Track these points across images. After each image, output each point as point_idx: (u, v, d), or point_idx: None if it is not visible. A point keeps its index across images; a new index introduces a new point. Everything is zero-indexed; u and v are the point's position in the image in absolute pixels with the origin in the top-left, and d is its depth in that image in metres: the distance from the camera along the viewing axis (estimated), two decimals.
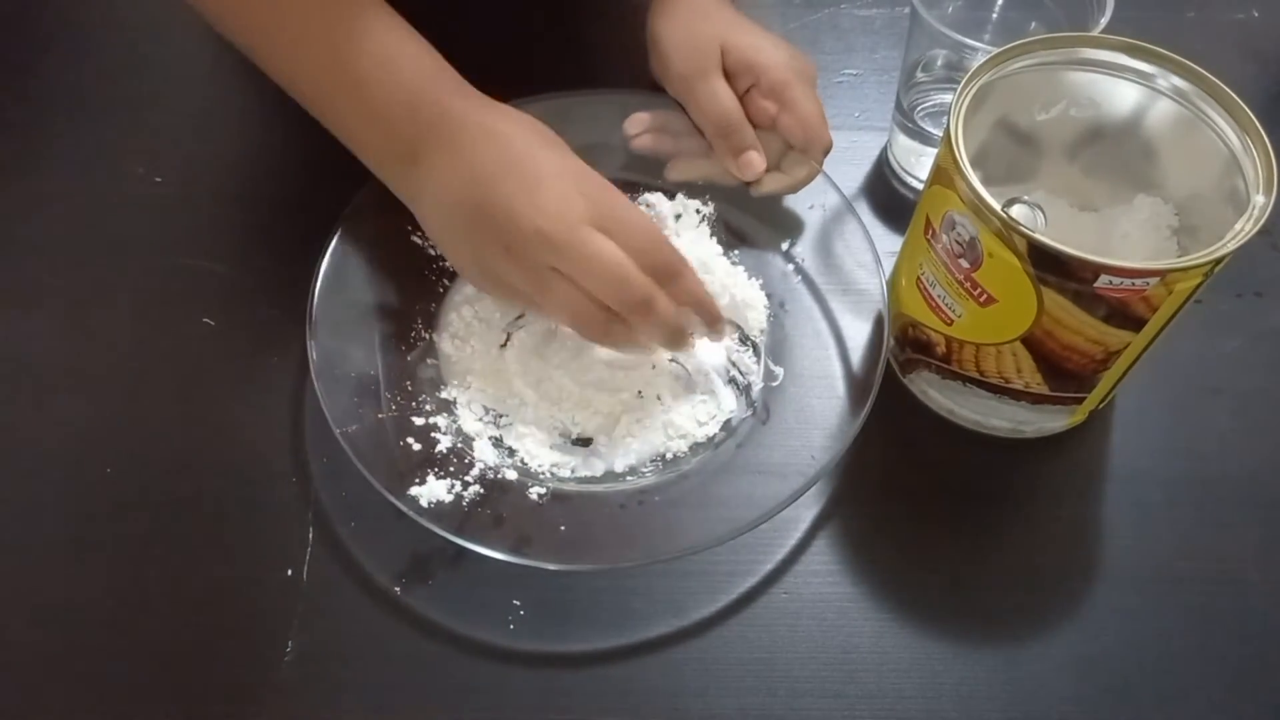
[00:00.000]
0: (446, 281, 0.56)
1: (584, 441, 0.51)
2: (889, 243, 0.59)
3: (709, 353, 0.54)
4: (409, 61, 0.49)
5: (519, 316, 0.55)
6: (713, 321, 0.50)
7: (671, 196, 0.58)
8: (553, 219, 0.45)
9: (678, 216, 0.57)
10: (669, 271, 0.47)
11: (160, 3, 0.71)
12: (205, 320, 0.56)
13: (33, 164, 0.63)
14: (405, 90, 0.48)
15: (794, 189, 0.56)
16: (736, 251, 0.57)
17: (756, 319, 0.55)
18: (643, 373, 0.53)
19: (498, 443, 0.51)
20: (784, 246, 0.57)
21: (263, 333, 0.54)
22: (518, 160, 0.47)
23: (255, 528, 0.49)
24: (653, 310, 0.47)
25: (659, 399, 0.52)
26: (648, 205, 0.57)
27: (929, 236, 0.47)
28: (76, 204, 0.61)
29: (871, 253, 0.54)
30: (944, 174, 0.44)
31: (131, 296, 0.57)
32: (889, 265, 0.55)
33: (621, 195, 0.48)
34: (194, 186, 0.62)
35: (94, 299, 0.57)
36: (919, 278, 0.49)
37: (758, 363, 0.54)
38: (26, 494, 0.50)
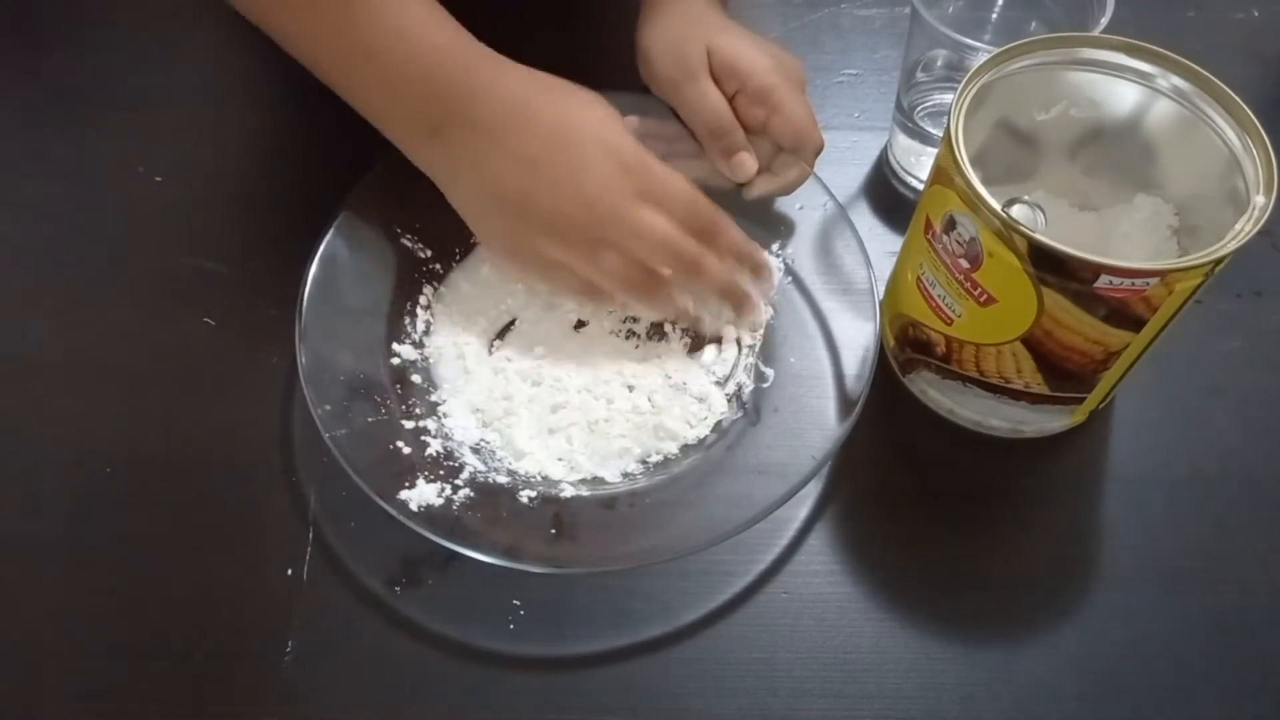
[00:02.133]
0: (436, 284, 0.56)
1: (574, 444, 0.51)
2: (889, 243, 0.59)
3: (701, 352, 0.54)
4: (424, 30, 0.48)
5: (512, 322, 0.55)
6: (758, 268, 0.53)
7: None
8: (599, 201, 0.47)
9: None
10: (712, 230, 0.50)
11: (160, 2, 0.71)
12: (205, 320, 0.56)
13: (33, 164, 0.63)
14: (422, 60, 0.48)
15: (786, 191, 0.56)
16: None
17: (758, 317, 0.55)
18: (632, 375, 0.53)
19: (488, 446, 0.51)
20: (774, 247, 0.57)
21: (263, 333, 0.54)
22: (551, 140, 0.48)
23: (255, 528, 0.49)
24: (704, 268, 0.50)
25: (649, 401, 0.52)
26: None
27: (929, 236, 0.47)
28: (76, 204, 0.61)
29: (862, 253, 0.53)
30: (944, 174, 0.44)
31: (131, 296, 0.57)
32: (889, 265, 0.55)
33: (655, 159, 0.49)
34: (194, 186, 0.62)
35: (94, 299, 0.57)
36: (919, 278, 0.49)
37: (749, 364, 0.54)
38: (26, 494, 0.50)
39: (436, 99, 0.48)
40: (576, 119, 0.49)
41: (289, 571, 0.48)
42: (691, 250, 0.49)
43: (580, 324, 0.55)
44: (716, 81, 0.53)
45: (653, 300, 0.51)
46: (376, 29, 0.48)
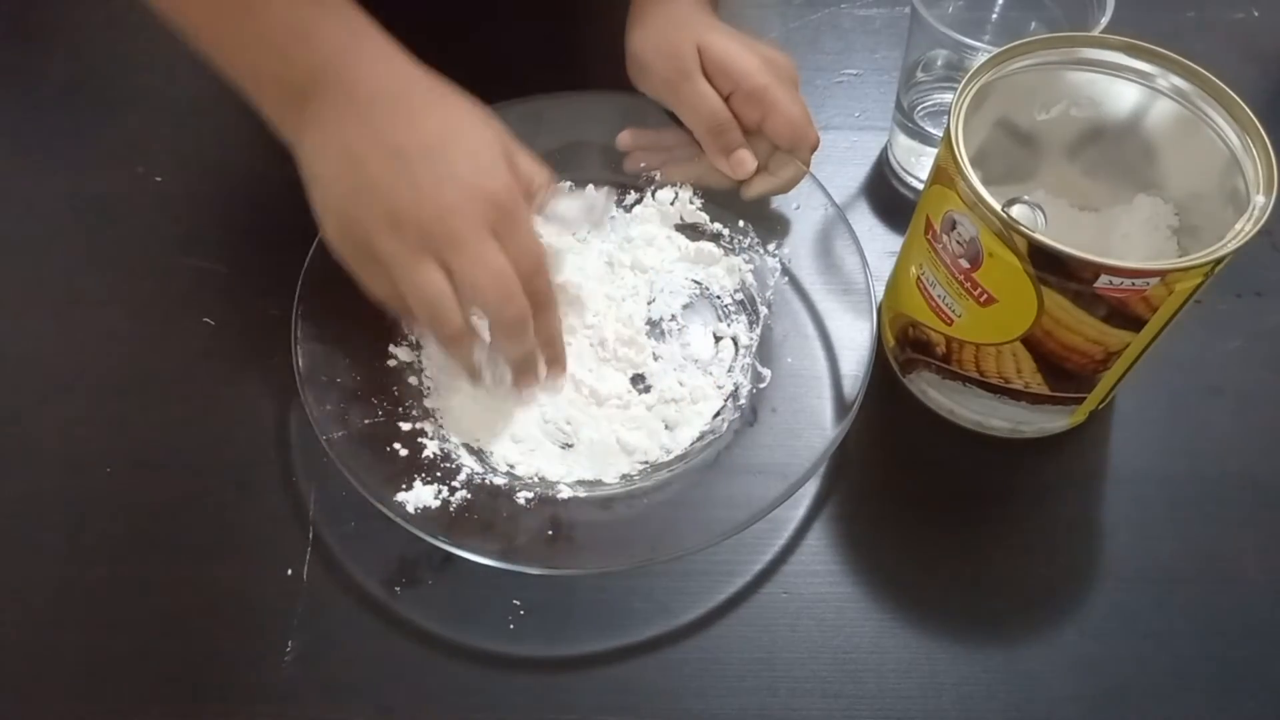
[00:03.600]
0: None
1: (571, 446, 0.51)
2: (889, 243, 0.59)
3: (699, 352, 0.54)
4: None
5: None
6: (553, 363, 0.51)
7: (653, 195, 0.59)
8: (451, 216, 0.44)
9: (672, 201, 0.58)
10: (539, 301, 0.47)
11: None
12: (205, 320, 0.56)
13: (33, 164, 0.63)
14: (303, 17, 0.46)
15: (783, 190, 0.56)
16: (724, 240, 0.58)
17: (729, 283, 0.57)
18: (630, 377, 0.53)
19: (484, 448, 0.51)
20: (770, 247, 0.57)
21: (263, 333, 0.54)
22: (429, 140, 0.45)
23: (255, 528, 0.49)
24: (524, 332, 0.46)
25: (647, 402, 0.52)
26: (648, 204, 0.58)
27: (929, 236, 0.47)
28: (77, 204, 0.61)
29: (860, 253, 0.53)
30: (944, 174, 0.44)
31: (131, 296, 0.57)
32: (888, 265, 0.55)
33: (524, 208, 0.46)
34: (194, 186, 0.62)
35: (94, 299, 0.57)
36: (919, 278, 0.49)
37: (746, 365, 0.54)
38: (26, 494, 0.50)
39: (314, 61, 0.46)
40: (464, 129, 0.46)
41: (289, 571, 0.48)
42: (521, 304, 0.46)
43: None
44: (709, 81, 0.53)
45: (451, 342, 0.47)
46: None
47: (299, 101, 0.46)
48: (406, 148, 0.45)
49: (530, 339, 0.48)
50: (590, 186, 0.57)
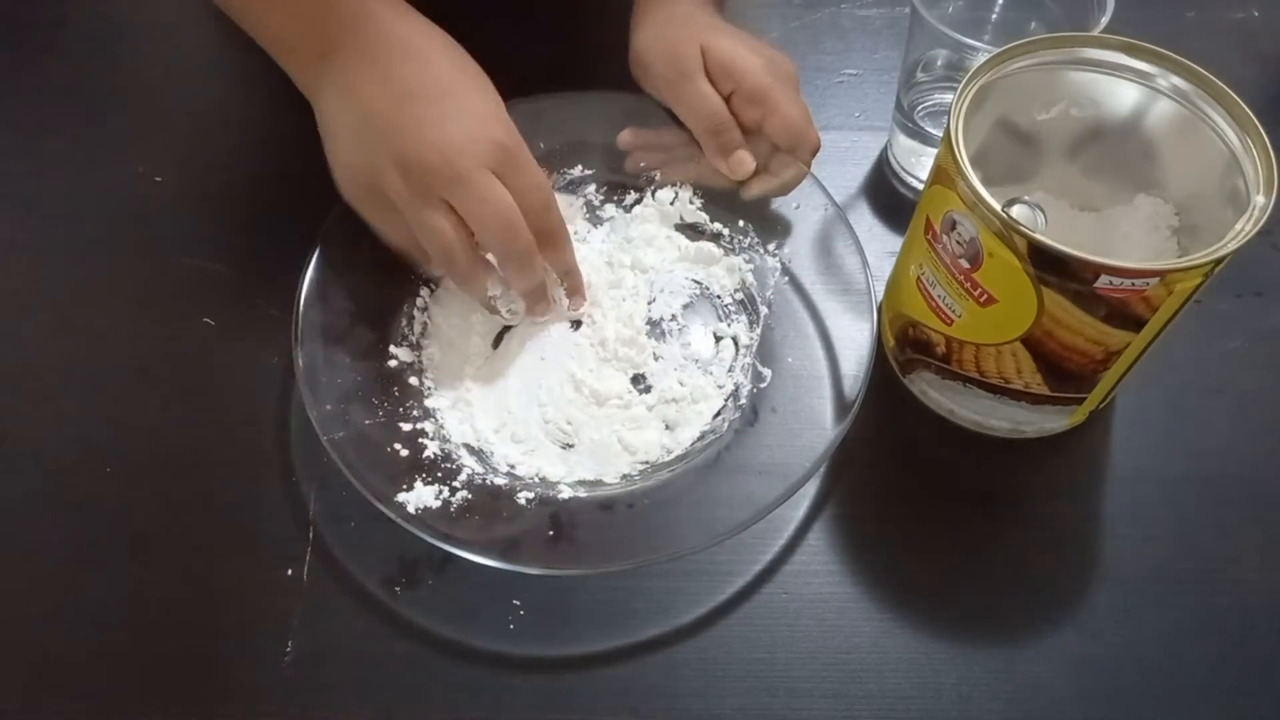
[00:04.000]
0: (433, 286, 0.56)
1: (572, 446, 0.51)
2: (889, 243, 0.59)
3: (699, 352, 0.54)
4: None
5: (506, 328, 0.55)
6: (574, 292, 0.54)
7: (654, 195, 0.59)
8: (457, 157, 0.46)
9: (672, 201, 0.58)
10: (551, 237, 0.50)
11: (160, 2, 0.71)
12: (205, 320, 0.56)
13: (33, 164, 0.63)
14: None
15: (783, 191, 0.56)
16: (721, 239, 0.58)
17: (728, 282, 0.57)
18: (630, 377, 0.53)
19: (485, 448, 0.51)
20: (770, 247, 0.57)
21: (263, 333, 0.54)
22: (437, 86, 0.48)
23: (255, 528, 0.49)
24: (530, 265, 0.49)
25: (647, 402, 0.52)
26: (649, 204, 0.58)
27: (929, 236, 0.47)
28: (76, 204, 0.61)
29: (859, 253, 0.53)
30: (944, 174, 0.44)
31: (131, 296, 0.57)
32: (889, 265, 0.55)
33: (527, 150, 0.49)
34: (194, 186, 0.62)
35: (94, 299, 0.57)
36: (919, 278, 0.49)
37: (746, 365, 0.54)
38: (26, 494, 0.50)
39: (334, 20, 0.48)
40: (469, 79, 0.49)
41: (289, 572, 0.48)
42: (526, 238, 0.48)
43: (578, 325, 0.55)
44: (711, 82, 0.53)
45: (464, 278, 0.50)
46: None
47: (318, 59, 0.49)
48: (414, 92, 0.47)
49: (537, 272, 0.50)
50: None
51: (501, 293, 0.52)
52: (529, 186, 0.48)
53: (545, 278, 0.52)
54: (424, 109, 0.47)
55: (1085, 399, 0.49)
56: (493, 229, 0.48)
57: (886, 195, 0.62)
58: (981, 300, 0.45)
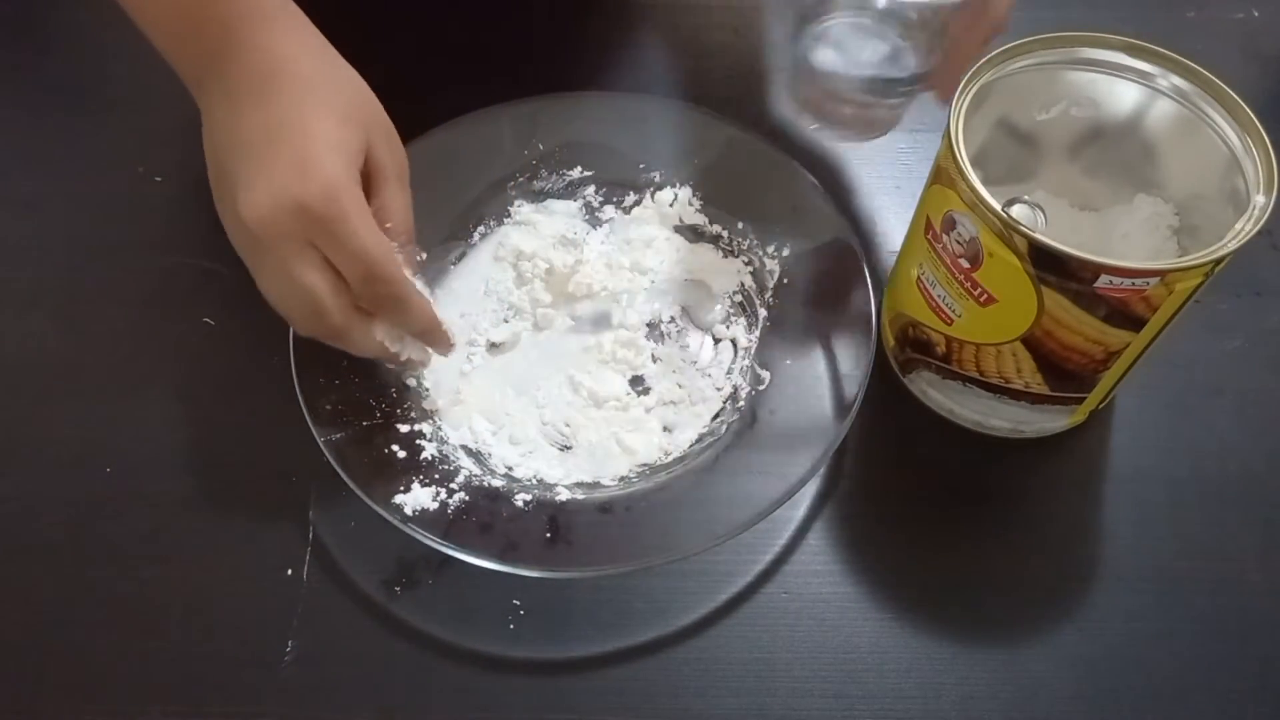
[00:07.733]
0: (432, 287, 0.55)
1: (570, 448, 0.51)
2: (889, 243, 0.59)
3: (698, 354, 0.54)
4: None
5: (504, 324, 0.55)
6: (437, 345, 0.48)
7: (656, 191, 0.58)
8: (261, 221, 0.41)
9: (671, 202, 0.58)
10: (384, 305, 0.44)
11: None
12: (205, 320, 0.56)
13: (33, 164, 0.63)
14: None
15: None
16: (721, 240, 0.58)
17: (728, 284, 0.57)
18: (629, 379, 0.53)
19: (483, 450, 0.51)
20: (769, 249, 0.57)
21: (263, 333, 0.54)
22: (265, 130, 0.42)
23: (255, 528, 0.49)
24: (348, 343, 0.45)
25: (646, 404, 0.52)
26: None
27: (929, 236, 0.47)
28: (76, 204, 0.61)
29: (859, 254, 0.53)
30: (944, 174, 0.44)
31: (131, 296, 0.57)
32: (889, 265, 0.55)
33: (350, 209, 0.41)
34: (194, 186, 0.61)
35: (94, 299, 0.57)
36: (919, 277, 0.49)
37: (745, 367, 0.54)
38: (26, 494, 0.50)
39: (200, 47, 0.44)
40: (306, 116, 0.42)
41: (289, 572, 0.48)
42: (335, 322, 0.43)
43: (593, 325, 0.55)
44: None
45: (332, 340, 0.45)
46: None
47: (196, 88, 0.45)
48: (244, 139, 0.42)
49: (358, 347, 0.45)
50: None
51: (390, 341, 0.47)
52: (347, 257, 0.41)
53: (380, 349, 0.46)
54: (244, 162, 0.42)
55: (1085, 399, 0.49)
56: (295, 317, 0.43)
57: (887, 195, 0.62)
58: (981, 300, 0.45)
